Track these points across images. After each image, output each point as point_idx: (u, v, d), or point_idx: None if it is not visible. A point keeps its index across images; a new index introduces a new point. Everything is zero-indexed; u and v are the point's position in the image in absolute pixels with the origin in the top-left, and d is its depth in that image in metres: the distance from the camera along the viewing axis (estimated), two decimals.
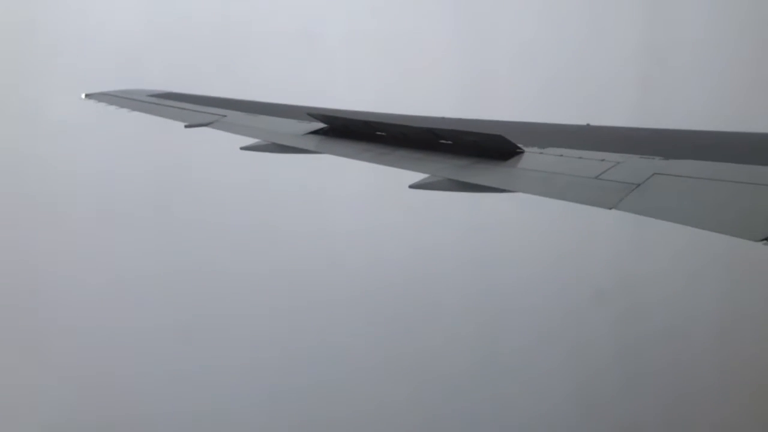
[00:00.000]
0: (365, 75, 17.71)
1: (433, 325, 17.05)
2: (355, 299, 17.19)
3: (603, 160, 4.58)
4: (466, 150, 5.53)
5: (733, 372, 15.91)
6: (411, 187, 5.21)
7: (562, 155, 4.96)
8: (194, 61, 17.71)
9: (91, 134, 16.98)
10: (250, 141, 7.32)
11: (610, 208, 3.90)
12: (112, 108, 10.28)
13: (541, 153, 5.12)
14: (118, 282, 17.54)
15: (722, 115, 14.72)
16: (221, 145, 8.81)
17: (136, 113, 9.79)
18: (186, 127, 8.42)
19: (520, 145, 5.21)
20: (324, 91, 16.68)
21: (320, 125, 7.19)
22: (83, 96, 11.26)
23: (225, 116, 8.53)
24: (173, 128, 8.76)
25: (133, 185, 18.00)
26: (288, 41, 18.12)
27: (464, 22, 17.55)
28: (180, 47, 17.96)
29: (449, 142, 5.72)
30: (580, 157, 4.79)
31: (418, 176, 5.31)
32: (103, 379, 16.84)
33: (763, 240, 3.08)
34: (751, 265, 13.71)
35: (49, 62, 17.89)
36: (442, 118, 7.27)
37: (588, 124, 6.18)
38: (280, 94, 9.70)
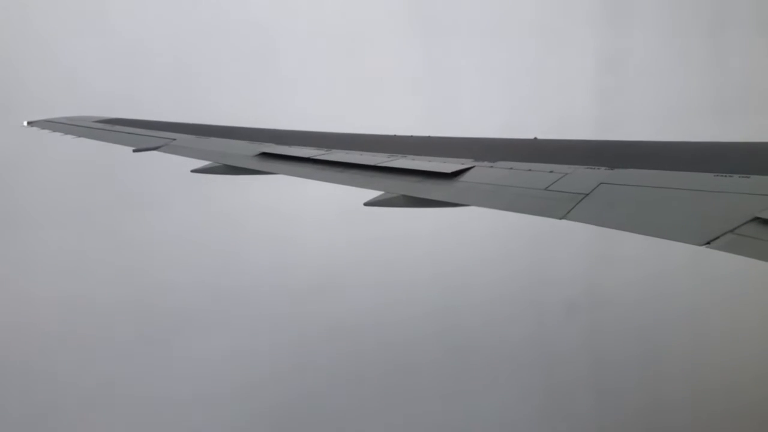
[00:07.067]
0: (322, 95, 17.71)
1: (394, 340, 17.01)
2: (314, 321, 17.05)
3: (551, 171, 4.69)
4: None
5: (698, 371, 16.26)
6: (366, 204, 5.22)
7: (512, 168, 5.06)
8: (143, 87, 17.41)
9: (35, 162, 16.47)
10: (201, 163, 7.21)
11: (561, 218, 3.98)
12: (57, 135, 9.99)
13: (491, 167, 5.20)
14: (68, 307, 16.99)
15: (663, 126, 15.25)
16: (171, 169, 8.64)
17: (82, 139, 9.54)
18: (134, 151, 8.24)
19: (470, 160, 5.31)
20: (277, 111, 16.63)
21: (271, 145, 7.17)
22: (25, 123, 10.91)
23: (174, 140, 8.40)
24: (121, 153, 8.56)
25: (79, 212, 17.49)
26: (239, 63, 18.02)
27: (418, 38, 17.77)
28: (127, 74, 17.64)
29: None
30: (530, 170, 4.90)
31: (372, 194, 5.34)
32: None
33: (706, 244, 3.20)
34: (698, 267, 14.13)
35: None
36: (395, 136, 7.31)
37: (536, 138, 6.31)
38: (231, 117, 9.61)
